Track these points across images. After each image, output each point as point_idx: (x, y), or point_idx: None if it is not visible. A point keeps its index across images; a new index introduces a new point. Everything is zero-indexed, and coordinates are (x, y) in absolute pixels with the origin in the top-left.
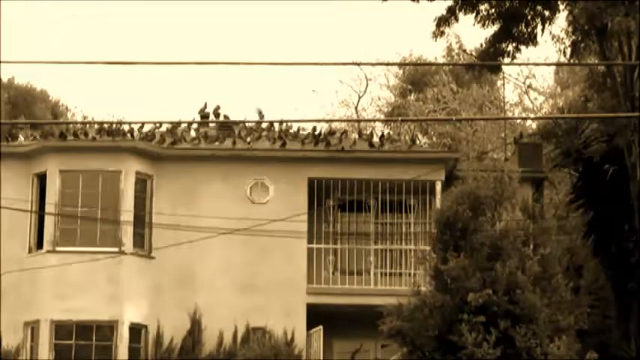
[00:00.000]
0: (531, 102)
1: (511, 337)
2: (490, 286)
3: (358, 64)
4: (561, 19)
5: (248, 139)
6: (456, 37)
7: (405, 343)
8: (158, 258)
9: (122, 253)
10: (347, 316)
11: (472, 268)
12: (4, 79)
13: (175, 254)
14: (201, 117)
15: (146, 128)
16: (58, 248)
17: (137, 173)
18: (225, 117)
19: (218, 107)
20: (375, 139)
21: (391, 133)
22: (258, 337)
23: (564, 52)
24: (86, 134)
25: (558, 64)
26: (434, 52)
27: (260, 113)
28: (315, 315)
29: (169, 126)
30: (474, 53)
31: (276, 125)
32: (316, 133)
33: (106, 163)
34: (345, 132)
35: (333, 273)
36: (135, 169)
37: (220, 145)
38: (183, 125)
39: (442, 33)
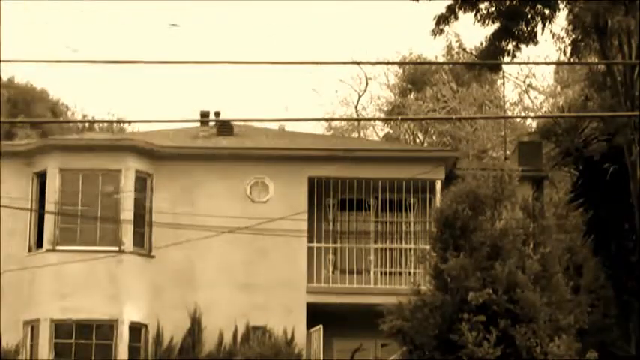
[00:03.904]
0: (531, 101)
1: (511, 336)
2: (490, 285)
3: (358, 63)
4: (561, 17)
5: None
6: (456, 36)
7: (405, 342)
8: (158, 257)
9: (122, 252)
10: (347, 315)
11: (472, 267)
12: (4, 78)
13: (175, 253)
14: (201, 116)
15: (146, 128)
16: (58, 247)
17: (137, 172)
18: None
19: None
20: (376, 138)
21: (391, 132)
22: (258, 336)
23: (564, 51)
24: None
25: (558, 63)
26: (434, 51)
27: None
28: (315, 314)
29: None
30: (473, 52)
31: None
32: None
33: (105, 161)
34: None
35: (333, 272)
36: (135, 167)
37: (220, 143)
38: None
39: (442, 31)
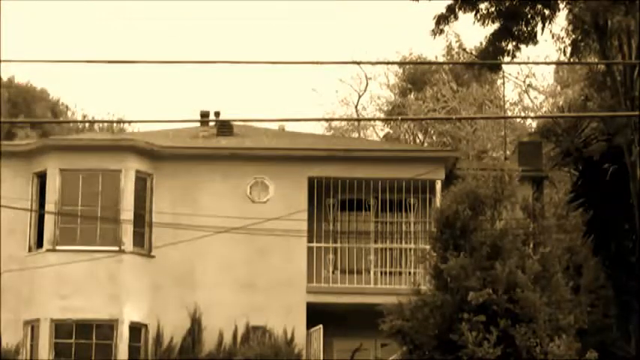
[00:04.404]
0: (531, 101)
1: (511, 336)
2: (490, 285)
3: (358, 63)
4: (561, 17)
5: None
6: (456, 36)
7: (405, 342)
8: (158, 257)
9: (122, 252)
10: (347, 315)
11: (472, 267)
12: (4, 78)
13: (175, 253)
14: (201, 116)
15: (146, 128)
16: (58, 247)
17: (137, 172)
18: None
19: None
20: (376, 138)
21: (391, 132)
22: (258, 336)
23: (564, 51)
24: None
25: (558, 63)
26: (434, 51)
27: None
28: (315, 314)
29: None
30: (473, 52)
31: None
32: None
33: (105, 161)
34: None
35: (333, 272)
36: (135, 167)
37: (220, 143)
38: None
39: (441, 31)
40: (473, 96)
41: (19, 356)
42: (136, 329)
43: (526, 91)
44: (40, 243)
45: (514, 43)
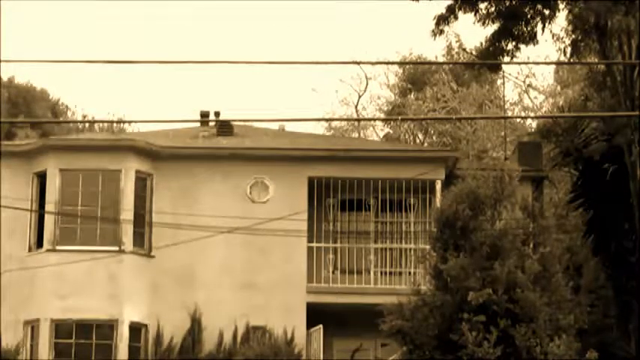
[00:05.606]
0: (531, 101)
1: (511, 336)
2: (490, 285)
3: (358, 63)
4: (561, 17)
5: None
6: (456, 36)
7: (405, 342)
8: (158, 257)
9: (122, 252)
10: (347, 315)
11: (472, 267)
12: (4, 78)
13: (175, 253)
14: (201, 116)
15: (146, 128)
16: (58, 247)
17: (137, 172)
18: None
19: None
20: (376, 138)
21: (391, 132)
22: (258, 336)
23: (564, 51)
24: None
25: (558, 63)
26: (434, 51)
27: None
28: (315, 314)
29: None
30: (473, 52)
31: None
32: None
33: (105, 161)
34: None
35: (333, 272)
36: (135, 167)
37: (220, 143)
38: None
39: (441, 32)
40: (473, 96)
41: (19, 356)
42: (136, 329)
43: (526, 91)
44: (40, 243)
45: (514, 43)
